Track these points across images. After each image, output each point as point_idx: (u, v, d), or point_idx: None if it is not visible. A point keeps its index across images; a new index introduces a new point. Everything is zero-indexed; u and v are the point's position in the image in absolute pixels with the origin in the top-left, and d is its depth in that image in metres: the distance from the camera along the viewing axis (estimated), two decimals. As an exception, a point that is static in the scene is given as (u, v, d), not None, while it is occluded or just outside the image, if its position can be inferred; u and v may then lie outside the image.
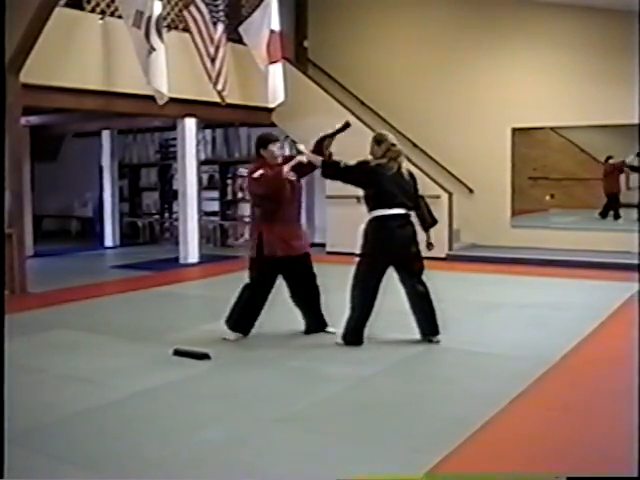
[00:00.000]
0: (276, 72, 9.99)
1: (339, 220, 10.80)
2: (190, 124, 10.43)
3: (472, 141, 11.08)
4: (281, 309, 6.91)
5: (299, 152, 5.52)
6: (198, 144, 10.88)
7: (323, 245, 11.44)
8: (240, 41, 10.29)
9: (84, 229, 14.79)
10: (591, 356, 5.29)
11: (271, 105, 10.20)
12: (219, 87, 9.42)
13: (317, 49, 12.14)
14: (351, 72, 11.88)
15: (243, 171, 13.02)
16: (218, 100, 9.50)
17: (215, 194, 13.12)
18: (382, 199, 5.27)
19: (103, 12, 8.74)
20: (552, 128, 14.09)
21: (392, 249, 5.29)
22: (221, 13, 9.57)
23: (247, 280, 5.67)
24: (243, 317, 5.63)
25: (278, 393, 4.43)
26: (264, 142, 5.53)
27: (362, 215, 5.40)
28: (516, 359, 5.07)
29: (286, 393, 4.43)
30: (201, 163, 11.49)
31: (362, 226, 5.34)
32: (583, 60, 10.41)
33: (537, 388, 4.44)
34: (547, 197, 16.67)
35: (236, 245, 12.94)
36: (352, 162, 5.36)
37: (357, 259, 5.37)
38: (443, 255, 10.26)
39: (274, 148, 5.52)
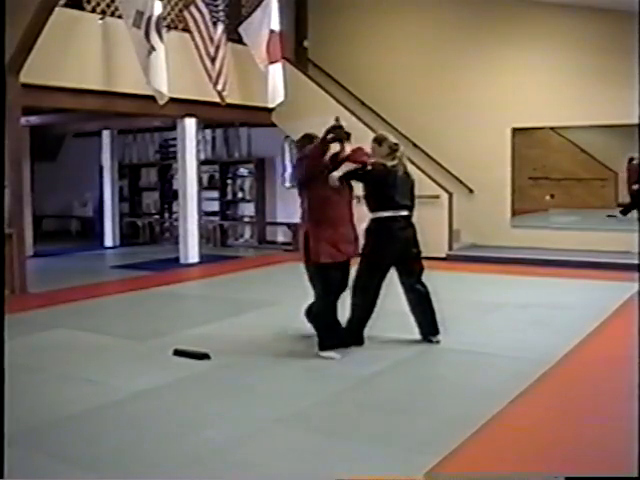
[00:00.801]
0: (276, 72, 9.99)
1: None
2: (190, 124, 10.43)
3: (472, 141, 11.07)
4: (282, 309, 6.93)
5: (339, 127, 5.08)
6: (198, 144, 10.88)
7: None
8: (240, 41, 10.29)
9: (84, 229, 14.79)
10: (591, 356, 5.29)
11: (271, 105, 10.20)
12: (219, 87, 9.42)
13: (317, 49, 12.14)
14: (351, 72, 11.88)
15: (243, 171, 13.04)
16: (218, 100, 9.50)
17: (215, 194, 13.12)
18: (387, 201, 5.28)
19: (103, 12, 8.75)
20: (552, 128, 14.13)
21: (394, 251, 5.30)
22: (221, 13, 9.58)
23: (312, 298, 5.28)
24: (330, 334, 5.19)
25: (278, 393, 4.43)
26: (309, 140, 5.26)
27: (363, 215, 5.39)
28: (516, 359, 5.07)
29: (286, 393, 4.43)
30: (201, 163, 11.49)
31: (363, 226, 5.34)
32: (583, 60, 10.41)
33: (537, 388, 4.44)
34: (547, 197, 16.69)
35: (235, 245, 12.94)
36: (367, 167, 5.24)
37: (359, 259, 5.36)
38: (443, 255, 10.28)
39: None
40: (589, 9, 10.20)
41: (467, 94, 11.13)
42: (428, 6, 11.61)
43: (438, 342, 5.41)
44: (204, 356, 5.07)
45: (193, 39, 9.33)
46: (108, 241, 12.81)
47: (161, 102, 8.41)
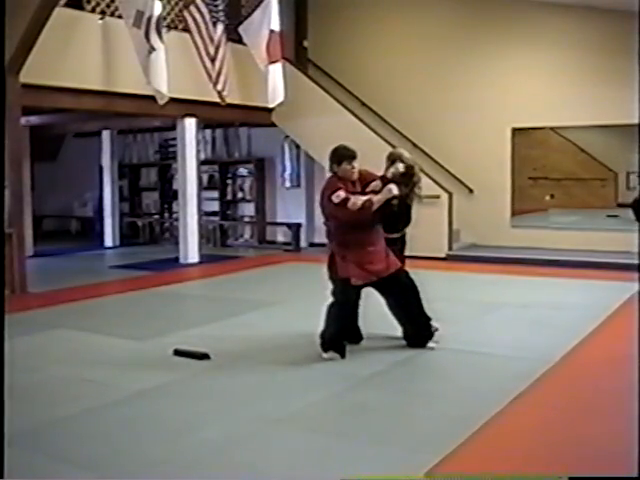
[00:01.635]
0: (276, 72, 9.99)
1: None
2: (190, 124, 10.43)
3: (472, 141, 11.07)
4: (282, 309, 6.93)
5: (396, 174, 4.95)
6: (198, 144, 10.88)
7: (323, 245, 11.42)
8: (240, 41, 10.29)
9: (84, 229, 14.80)
10: (591, 356, 5.29)
11: (271, 105, 10.20)
12: (219, 87, 9.42)
13: (317, 49, 12.14)
14: (351, 72, 11.88)
15: (243, 171, 13.04)
16: (218, 100, 9.50)
17: (215, 194, 13.12)
18: (387, 226, 5.30)
19: (103, 12, 8.75)
20: (552, 128, 14.11)
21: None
22: (221, 13, 9.58)
23: (331, 298, 5.23)
24: (334, 336, 5.14)
25: (278, 393, 4.43)
26: (338, 159, 4.96)
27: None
28: (516, 359, 5.07)
29: (286, 393, 4.43)
30: (201, 163, 11.49)
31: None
32: (583, 60, 10.41)
33: (537, 388, 4.44)
34: (547, 197, 16.68)
35: (235, 245, 12.94)
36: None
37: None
38: (443, 255, 10.28)
39: (348, 167, 4.94)
40: (589, 9, 10.20)
41: (467, 94, 11.13)
42: (428, 6, 11.60)
43: (432, 348, 5.43)
44: (204, 356, 5.07)
45: (193, 39, 9.33)
46: (108, 241, 12.82)
47: (161, 102, 8.41)
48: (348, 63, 11.94)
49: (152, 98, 8.42)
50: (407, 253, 5.68)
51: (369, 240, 5.03)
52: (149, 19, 8.15)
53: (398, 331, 5.45)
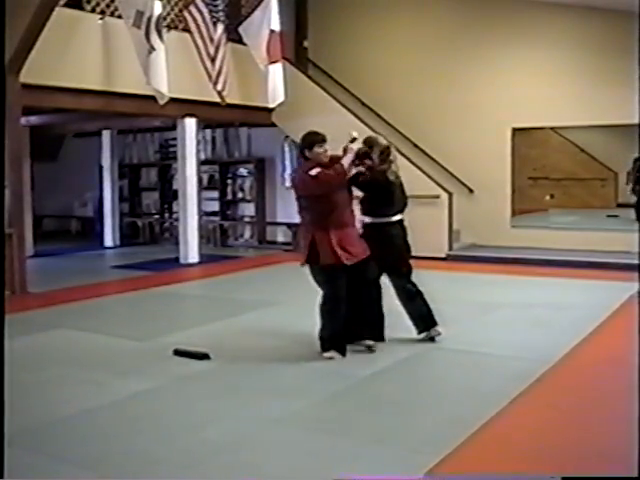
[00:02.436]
0: (276, 72, 10.00)
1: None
2: (190, 124, 10.42)
3: (472, 141, 11.07)
4: (282, 309, 6.93)
5: (353, 140, 5.09)
6: (198, 144, 10.88)
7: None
8: (240, 41, 10.28)
9: (84, 229, 14.80)
10: (591, 356, 5.29)
11: (271, 105, 10.20)
12: (219, 87, 9.42)
13: (317, 49, 12.14)
14: (351, 72, 11.88)
15: (243, 171, 13.04)
16: (218, 100, 9.50)
17: (215, 194, 13.11)
18: (385, 208, 5.32)
19: (103, 12, 8.75)
20: (552, 128, 14.12)
21: (392, 255, 5.35)
22: (221, 13, 9.58)
23: (320, 299, 5.16)
24: (333, 334, 5.10)
25: (278, 393, 4.43)
26: (309, 144, 5.07)
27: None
28: (516, 359, 5.07)
29: (286, 393, 4.43)
30: (201, 163, 11.49)
31: (357, 228, 5.33)
32: (583, 60, 10.41)
33: (537, 388, 4.44)
34: (547, 197, 16.69)
35: (235, 245, 12.94)
36: (363, 169, 5.27)
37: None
38: (443, 255, 10.28)
39: (320, 150, 5.03)
40: (589, 9, 10.20)
41: (467, 94, 11.13)
42: (428, 6, 11.60)
43: (439, 333, 5.43)
44: (204, 356, 5.07)
45: (193, 39, 9.33)
46: (108, 241, 12.81)
47: (161, 102, 8.41)
48: (348, 63, 11.94)
49: (152, 98, 8.42)
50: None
51: (347, 221, 5.09)
52: (149, 19, 8.15)
53: (398, 332, 5.46)
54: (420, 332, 5.48)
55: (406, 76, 11.62)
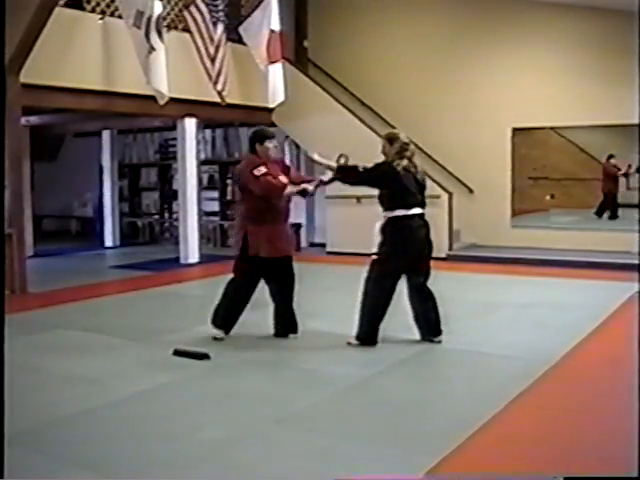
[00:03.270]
0: (276, 72, 9.99)
1: (339, 220, 10.81)
2: (190, 124, 10.43)
3: (472, 141, 11.07)
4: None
5: (313, 161, 5.44)
6: (198, 144, 10.88)
7: (323, 245, 11.45)
8: (240, 41, 10.28)
9: (84, 229, 14.79)
10: (591, 356, 5.29)
11: (271, 105, 10.20)
12: (219, 87, 9.42)
13: (317, 49, 12.14)
14: (351, 72, 11.87)
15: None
16: (218, 100, 9.50)
17: (215, 194, 13.10)
18: (401, 199, 5.27)
19: (103, 12, 8.75)
20: (552, 128, 14.09)
21: (412, 251, 5.32)
22: (221, 13, 9.57)
23: (231, 277, 5.60)
24: (227, 315, 5.59)
25: (278, 393, 4.43)
26: (261, 137, 5.39)
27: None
28: (516, 359, 5.07)
29: (286, 393, 4.43)
30: (201, 163, 11.49)
31: (378, 225, 5.32)
32: (583, 60, 10.41)
33: (537, 388, 4.44)
34: (547, 197, 16.67)
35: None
36: (369, 164, 5.30)
37: (372, 259, 5.33)
38: (443, 255, 10.26)
39: (270, 145, 5.38)
40: (589, 9, 10.20)
41: (467, 94, 11.13)
42: (428, 6, 11.60)
43: (440, 342, 5.41)
44: (204, 356, 5.07)
45: (193, 39, 9.32)
46: (108, 241, 12.81)
47: (161, 102, 8.41)
48: (348, 63, 11.93)
49: (152, 98, 8.41)
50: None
51: (281, 218, 5.41)
52: (149, 19, 8.14)
53: (399, 331, 5.45)
54: (422, 337, 5.47)
55: (406, 76, 11.62)
